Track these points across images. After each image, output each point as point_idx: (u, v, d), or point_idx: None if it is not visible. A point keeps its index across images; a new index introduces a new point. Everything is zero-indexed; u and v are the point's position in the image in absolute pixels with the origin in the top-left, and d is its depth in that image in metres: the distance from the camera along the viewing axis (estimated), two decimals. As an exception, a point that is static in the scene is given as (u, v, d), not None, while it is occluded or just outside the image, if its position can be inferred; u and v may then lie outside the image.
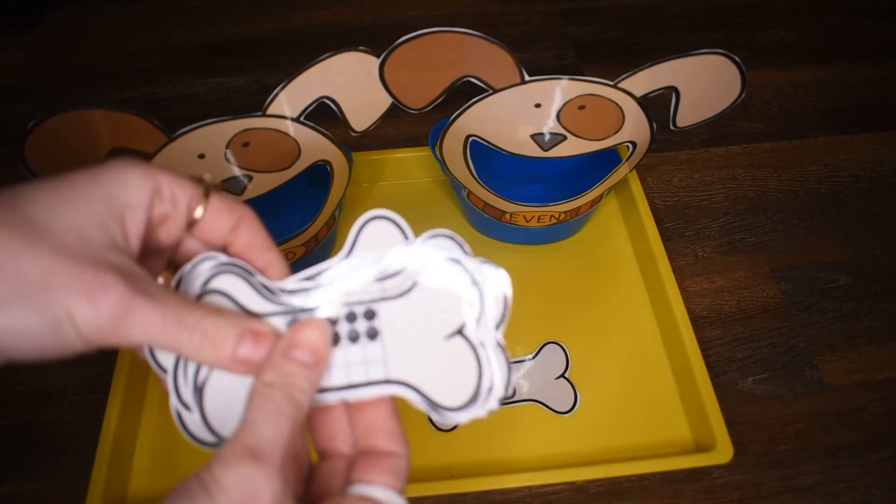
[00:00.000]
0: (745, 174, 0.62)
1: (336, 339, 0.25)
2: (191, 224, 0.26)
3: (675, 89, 0.42)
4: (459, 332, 0.25)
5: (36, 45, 0.76)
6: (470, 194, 0.52)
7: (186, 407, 0.25)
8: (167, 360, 0.25)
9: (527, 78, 0.41)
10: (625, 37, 0.76)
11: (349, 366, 0.25)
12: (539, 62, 0.73)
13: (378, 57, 0.40)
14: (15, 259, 0.20)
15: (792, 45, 0.75)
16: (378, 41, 0.40)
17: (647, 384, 0.49)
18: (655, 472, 0.45)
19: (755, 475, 0.45)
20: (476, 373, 0.24)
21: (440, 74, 0.41)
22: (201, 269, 0.26)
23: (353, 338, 0.25)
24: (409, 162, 0.60)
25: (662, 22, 0.78)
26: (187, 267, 0.26)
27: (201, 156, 0.41)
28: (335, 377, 0.25)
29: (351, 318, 0.25)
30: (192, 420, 0.25)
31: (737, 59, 0.40)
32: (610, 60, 0.74)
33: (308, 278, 0.26)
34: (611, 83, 0.41)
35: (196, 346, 0.23)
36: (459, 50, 0.40)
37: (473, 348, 0.25)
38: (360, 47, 0.40)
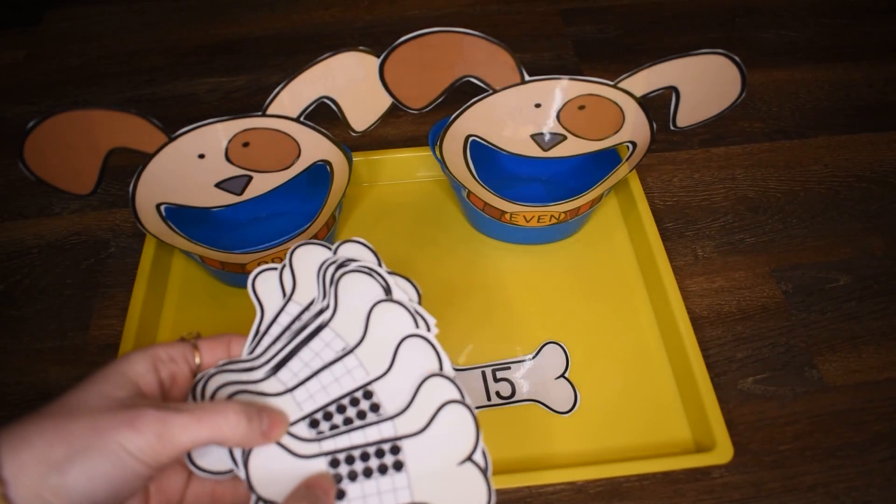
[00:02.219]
0: (745, 174, 0.62)
1: (369, 473, 0.30)
2: (196, 371, 0.32)
3: (675, 89, 0.42)
4: (469, 459, 0.30)
5: (36, 45, 0.76)
6: (470, 194, 0.52)
7: None
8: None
9: (527, 78, 0.41)
10: (625, 37, 0.76)
11: (381, 493, 0.30)
12: (539, 62, 0.73)
13: (378, 57, 0.40)
14: (66, 426, 0.26)
15: (792, 45, 0.75)
16: (378, 41, 0.40)
17: (647, 384, 0.49)
18: (655, 472, 0.45)
19: (755, 475, 0.45)
20: (486, 492, 0.30)
21: (440, 74, 0.41)
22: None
23: (383, 470, 0.30)
24: (409, 162, 0.60)
25: (662, 22, 0.78)
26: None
27: (201, 156, 0.41)
28: None
29: (379, 454, 0.31)
30: None
31: (737, 59, 0.40)
32: (610, 60, 0.74)
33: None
34: (611, 83, 0.41)
35: (233, 426, 0.27)
36: (459, 50, 0.40)
37: (483, 472, 0.30)
38: (360, 47, 0.40)
